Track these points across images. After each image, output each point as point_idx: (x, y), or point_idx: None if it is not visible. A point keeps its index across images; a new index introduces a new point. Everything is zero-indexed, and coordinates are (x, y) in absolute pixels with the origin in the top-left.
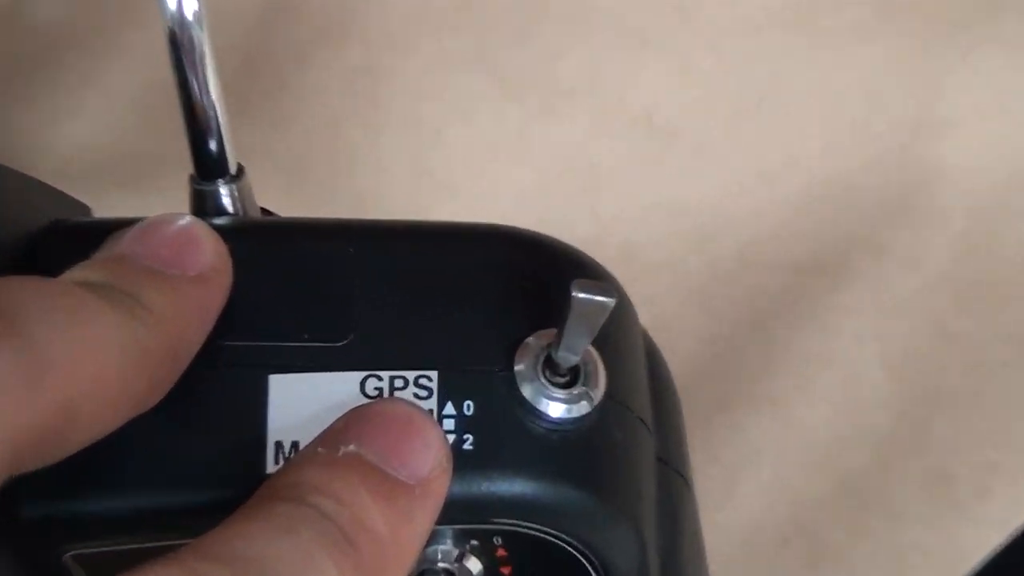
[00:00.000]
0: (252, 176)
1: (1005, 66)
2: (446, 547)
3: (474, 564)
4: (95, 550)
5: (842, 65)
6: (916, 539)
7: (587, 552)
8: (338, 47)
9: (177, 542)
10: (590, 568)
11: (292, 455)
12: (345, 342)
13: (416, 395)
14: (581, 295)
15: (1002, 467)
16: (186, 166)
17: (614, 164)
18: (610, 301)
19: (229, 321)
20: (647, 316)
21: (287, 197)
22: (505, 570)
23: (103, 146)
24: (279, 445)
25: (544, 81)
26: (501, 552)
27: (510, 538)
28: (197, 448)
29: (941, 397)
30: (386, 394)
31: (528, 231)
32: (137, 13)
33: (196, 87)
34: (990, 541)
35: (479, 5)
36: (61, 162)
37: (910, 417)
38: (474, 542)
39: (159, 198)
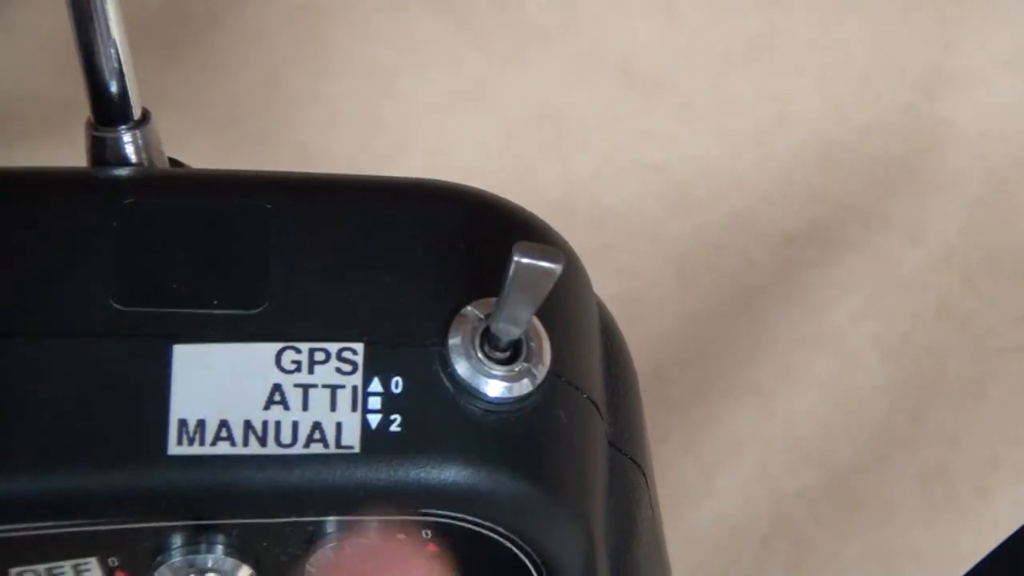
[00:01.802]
0: (178, 128)
1: None
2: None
3: None
4: None
5: (843, 11)
6: (910, 541)
7: (528, 549)
8: None
9: (67, 529)
10: (531, 567)
11: (197, 435)
12: (259, 310)
13: (339, 369)
14: (523, 260)
15: (1006, 462)
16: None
17: (587, 118)
18: (556, 267)
19: (129, 284)
20: (621, 288)
21: (219, 151)
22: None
23: (6, 91)
24: (183, 423)
25: (510, 23)
26: (431, 547)
27: (442, 531)
28: (91, 425)
29: (942, 385)
30: (304, 369)
31: (468, 187)
32: None
33: (94, 21)
34: (990, 543)
35: None
36: None
37: (907, 407)
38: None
39: (72, 150)
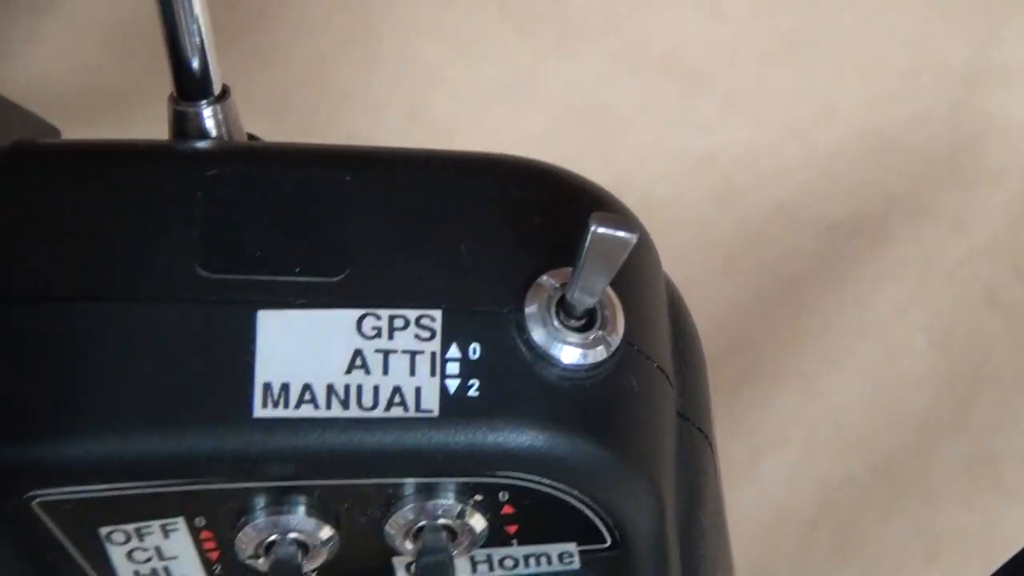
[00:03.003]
0: None
1: None
2: (447, 502)
3: (478, 521)
4: (64, 496)
5: (885, 7)
6: (955, 523)
7: (600, 511)
8: None
9: (155, 489)
10: (604, 529)
11: (281, 399)
12: (341, 277)
13: (418, 336)
14: (600, 229)
15: None
16: (160, 99)
17: (633, 110)
18: (632, 237)
19: (215, 252)
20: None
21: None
22: (511, 528)
23: (68, 78)
24: (267, 387)
25: (556, 14)
26: (507, 509)
27: (517, 494)
28: (176, 389)
29: (989, 373)
30: (384, 335)
31: (543, 162)
32: None
33: (178, 1)
34: None
35: None
36: (18, 95)
37: (954, 395)
38: (478, 497)
39: (131, 134)
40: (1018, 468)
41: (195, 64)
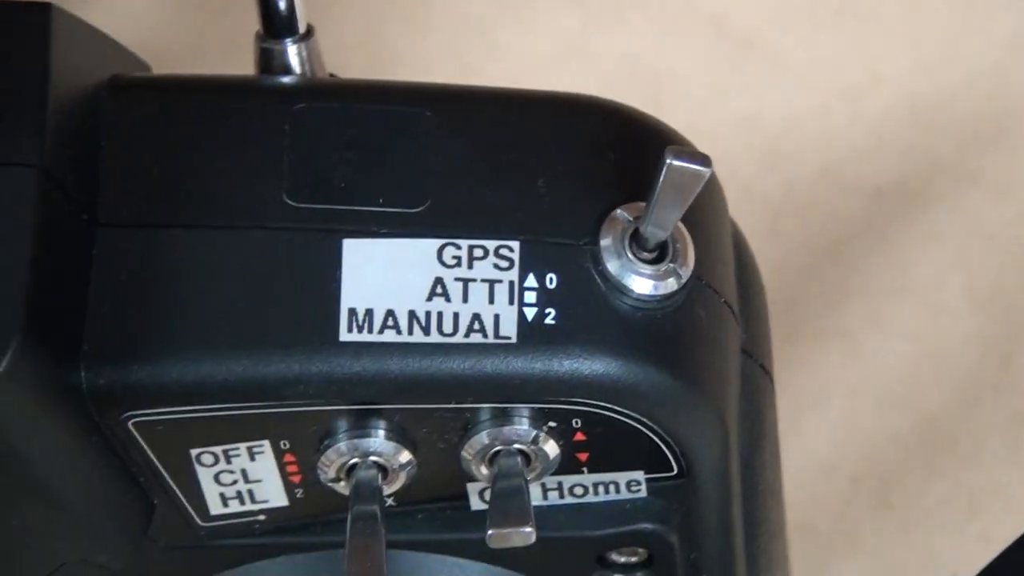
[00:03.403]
0: None
1: None
2: (523, 427)
3: (551, 447)
4: (156, 417)
5: None
6: (997, 482)
7: (668, 439)
8: None
9: (243, 411)
10: (671, 457)
11: (366, 323)
12: (422, 208)
13: (496, 265)
14: (676, 162)
15: None
16: (236, 55)
17: (682, 73)
18: (706, 170)
19: (301, 182)
20: None
21: None
22: (582, 456)
23: (140, 34)
24: (352, 312)
25: None
26: (579, 436)
27: (589, 420)
28: (265, 313)
29: None
30: (464, 264)
31: (617, 102)
32: None
33: None
34: None
35: None
36: None
37: (996, 354)
38: (552, 423)
39: None
40: None
41: (282, 3)
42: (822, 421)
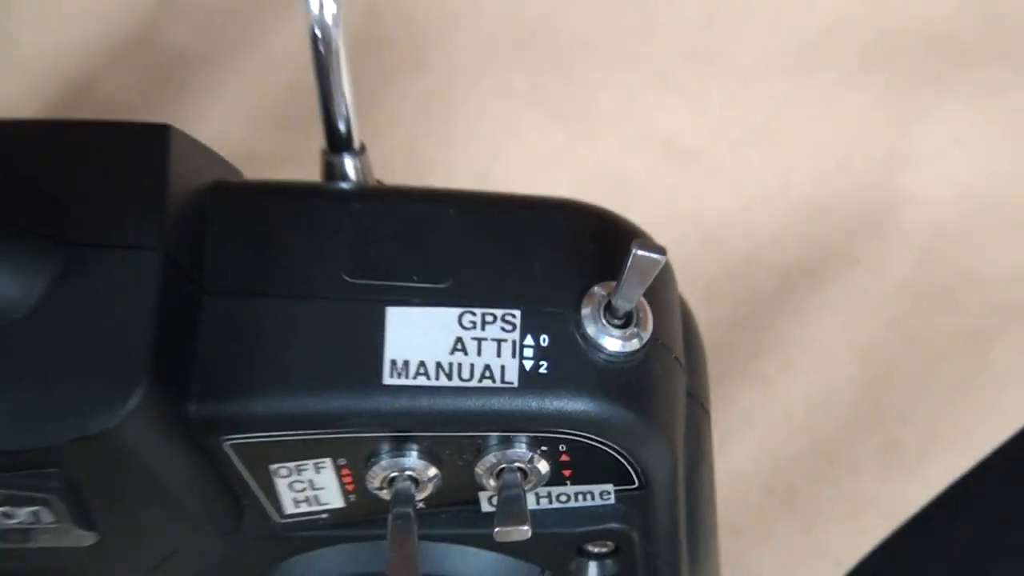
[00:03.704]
0: None
1: (963, 115)
2: (521, 451)
3: (543, 465)
4: (246, 440)
5: (832, 109)
6: (871, 491)
7: (632, 460)
8: (417, 74)
9: (311, 436)
10: (633, 474)
11: (403, 371)
12: (447, 284)
13: (503, 328)
14: (640, 252)
15: (942, 436)
16: (300, 162)
17: (642, 179)
18: (662, 258)
19: (355, 264)
20: None
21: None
22: (566, 472)
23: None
24: (393, 362)
25: (585, 109)
26: (564, 457)
27: (572, 446)
28: (328, 362)
29: (896, 379)
30: (478, 327)
31: (593, 204)
32: (253, 34)
33: (332, 73)
34: (928, 494)
35: (536, 46)
36: None
37: (871, 394)
38: (544, 448)
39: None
40: (916, 450)
41: (342, 125)
42: (744, 445)
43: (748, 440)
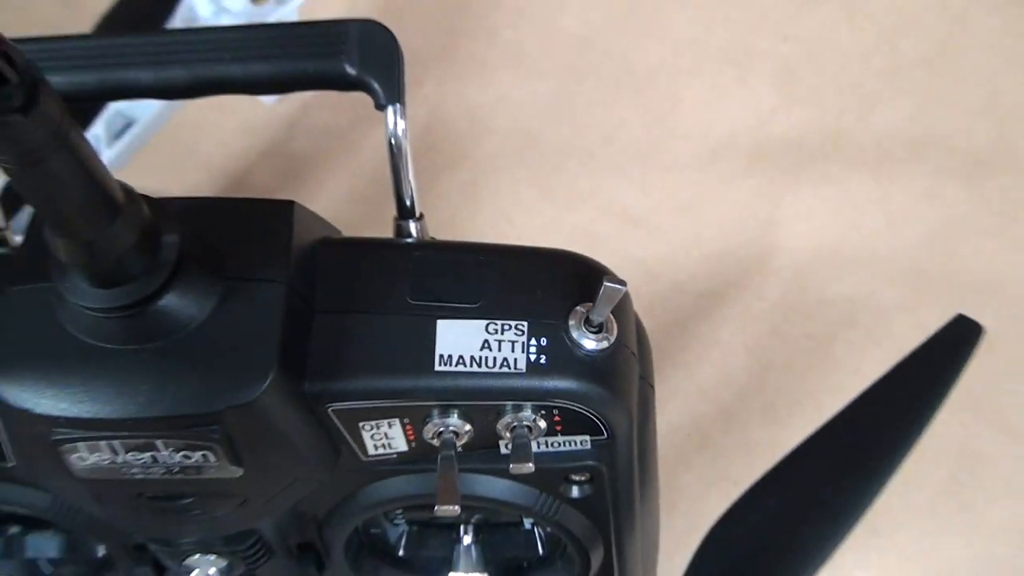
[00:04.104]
0: None
1: (813, 197)
2: (528, 414)
3: (542, 423)
4: (343, 407)
5: (729, 191)
6: (756, 438)
7: (602, 419)
8: (456, 170)
9: (386, 404)
10: (604, 428)
11: (448, 361)
12: (478, 305)
13: (516, 333)
14: (609, 284)
15: (802, 403)
16: (378, 228)
17: (607, 236)
18: (624, 288)
19: (416, 291)
20: None
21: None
22: (558, 428)
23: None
24: (442, 356)
25: (568, 192)
26: (557, 417)
27: (562, 410)
28: (399, 356)
29: (773, 365)
30: (499, 332)
31: (576, 252)
32: (349, 143)
33: (402, 167)
34: (795, 440)
35: (535, 150)
36: None
37: (756, 375)
38: (543, 412)
39: None
40: (786, 414)
41: (408, 201)
42: (673, 407)
43: (676, 404)
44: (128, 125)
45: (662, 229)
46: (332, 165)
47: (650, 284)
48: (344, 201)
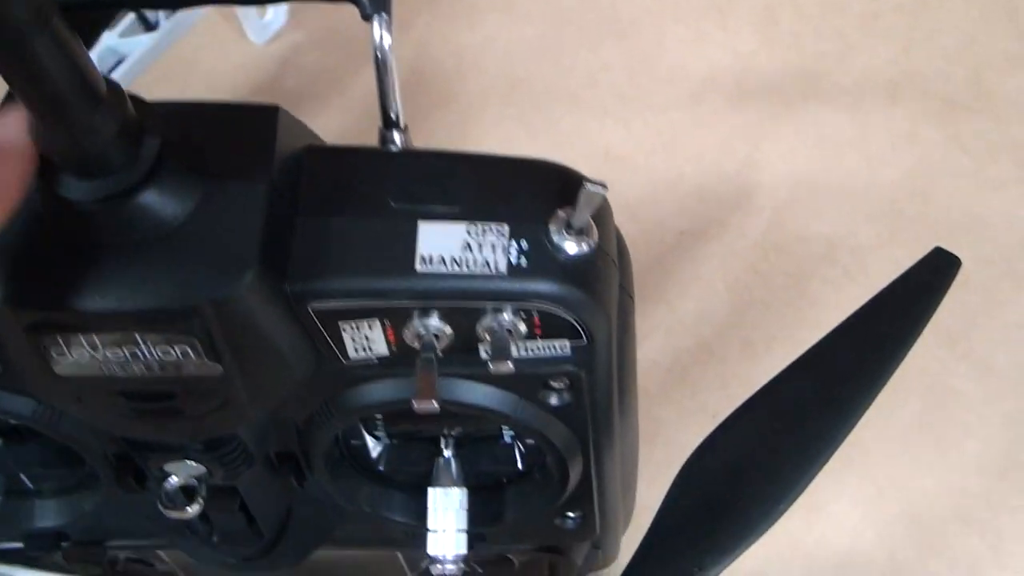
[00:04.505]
0: None
1: (793, 136)
2: (508, 316)
3: (522, 326)
4: (323, 306)
5: (709, 131)
6: (734, 371)
7: (582, 324)
8: (443, 111)
9: (367, 304)
10: (583, 333)
11: (429, 262)
12: (458, 208)
13: (497, 235)
14: (589, 186)
15: (779, 337)
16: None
17: (590, 175)
18: (604, 190)
19: (398, 195)
20: None
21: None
22: (538, 331)
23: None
24: (422, 256)
25: (553, 132)
26: (536, 320)
27: (542, 313)
28: (380, 256)
29: (751, 301)
30: (480, 234)
31: (561, 163)
32: (337, 81)
33: (387, 77)
34: (770, 373)
35: (521, 91)
36: None
37: (736, 310)
38: (523, 314)
39: None
40: (764, 348)
41: (392, 112)
42: (653, 342)
43: (656, 339)
44: (119, 62)
45: (645, 168)
46: (322, 103)
47: (633, 222)
48: (334, 138)
